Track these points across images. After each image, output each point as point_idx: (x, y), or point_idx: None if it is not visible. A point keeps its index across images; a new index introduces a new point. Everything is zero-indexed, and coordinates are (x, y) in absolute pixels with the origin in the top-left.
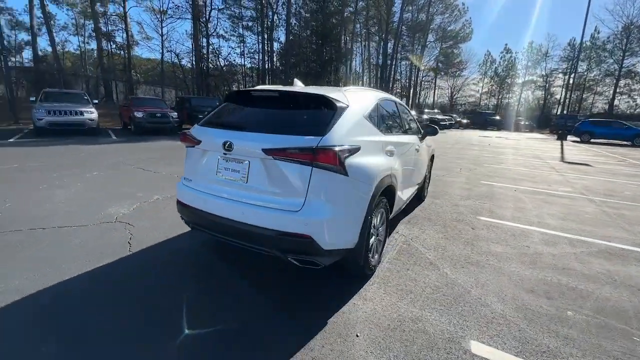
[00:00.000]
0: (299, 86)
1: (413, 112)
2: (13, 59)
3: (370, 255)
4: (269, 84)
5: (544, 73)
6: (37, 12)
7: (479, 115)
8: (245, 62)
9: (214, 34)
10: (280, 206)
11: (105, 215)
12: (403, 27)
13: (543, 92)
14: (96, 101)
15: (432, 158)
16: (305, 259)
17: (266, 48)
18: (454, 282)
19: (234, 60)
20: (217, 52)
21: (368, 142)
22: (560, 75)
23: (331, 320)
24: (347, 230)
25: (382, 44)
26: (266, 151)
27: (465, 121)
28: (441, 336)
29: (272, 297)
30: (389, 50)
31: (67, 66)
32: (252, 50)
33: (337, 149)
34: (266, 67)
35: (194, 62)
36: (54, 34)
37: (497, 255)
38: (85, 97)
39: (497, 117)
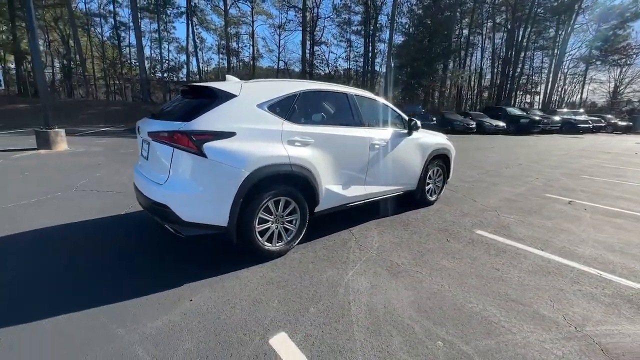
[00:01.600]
0: (232, 81)
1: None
2: (177, 75)
3: (262, 239)
4: (368, 85)
5: None
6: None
7: None
8: (351, 66)
9: (320, 40)
10: (155, 179)
11: None
12: (539, 9)
13: None
14: None
15: (440, 157)
16: (173, 227)
17: (368, 50)
18: (341, 283)
19: (339, 65)
20: (323, 58)
21: (252, 130)
22: None
23: (188, 284)
24: (210, 207)
25: (505, 33)
26: (149, 134)
27: (622, 124)
28: (260, 322)
29: (173, 260)
30: (519, 38)
31: (209, 78)
32: (358, 53)
33: (194, 133)
34: (367, 68)
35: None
36: (203, 53)
37: (437, 270)
38: None
39: None
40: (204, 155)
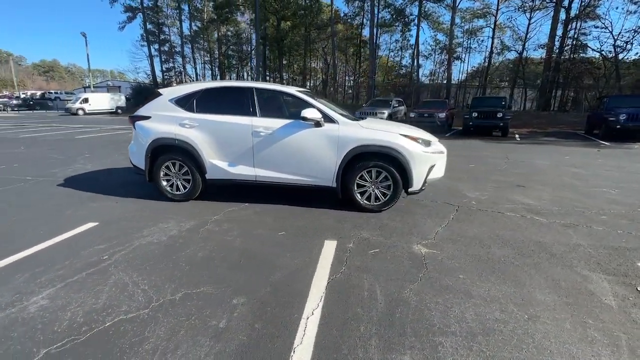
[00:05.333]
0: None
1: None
2: (407, 79)
3: (166, 185)
4: None
5: None
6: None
7: None
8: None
9: (584, 14)
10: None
11: None
12: None
13: None
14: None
15: (379, 157)
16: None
17: None
18: (165, 221)
19: (623, 46)
20: (594, 36)
21: (161, 115)
22: None
23: (127, 198)
24: (139, 159)
25: None
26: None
27: None
28: (99, 217)
29: (139, 186)
30: None
31: (436, 84)
32: None
33: (132, 116)
34: None
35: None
36: (435, 55)
37: (202, 239)
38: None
39: None
40: (135, 129)
